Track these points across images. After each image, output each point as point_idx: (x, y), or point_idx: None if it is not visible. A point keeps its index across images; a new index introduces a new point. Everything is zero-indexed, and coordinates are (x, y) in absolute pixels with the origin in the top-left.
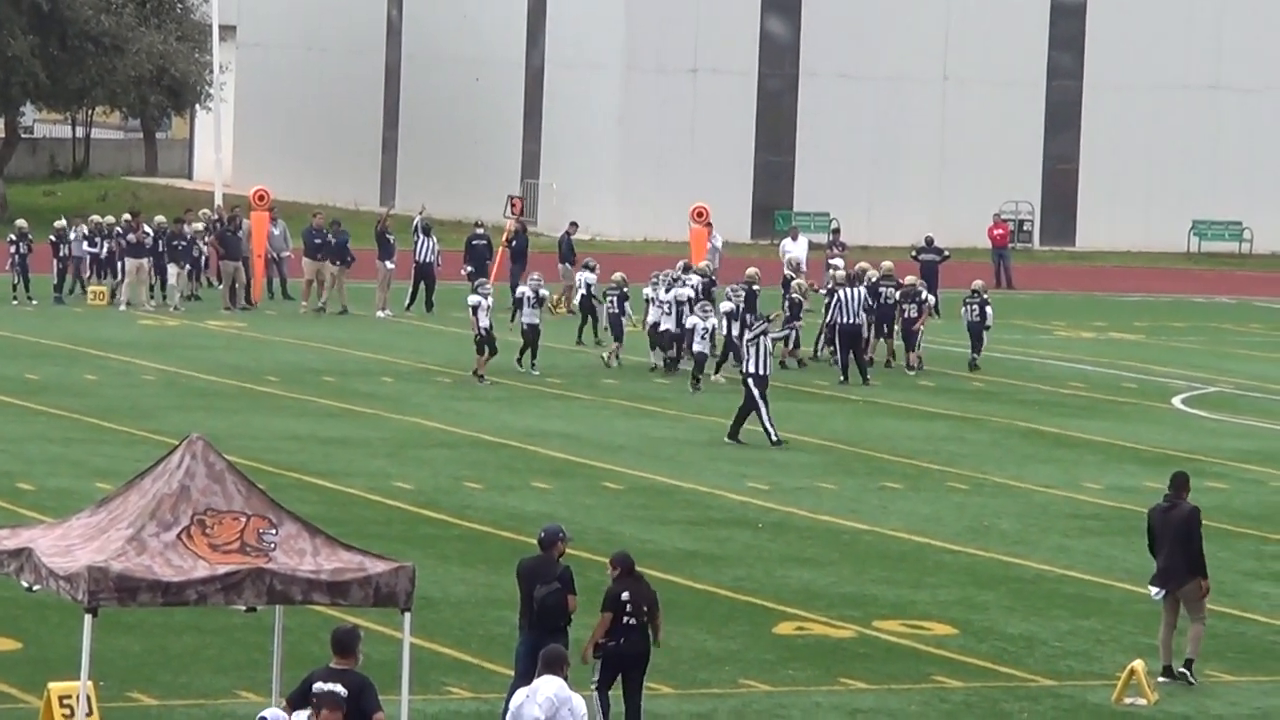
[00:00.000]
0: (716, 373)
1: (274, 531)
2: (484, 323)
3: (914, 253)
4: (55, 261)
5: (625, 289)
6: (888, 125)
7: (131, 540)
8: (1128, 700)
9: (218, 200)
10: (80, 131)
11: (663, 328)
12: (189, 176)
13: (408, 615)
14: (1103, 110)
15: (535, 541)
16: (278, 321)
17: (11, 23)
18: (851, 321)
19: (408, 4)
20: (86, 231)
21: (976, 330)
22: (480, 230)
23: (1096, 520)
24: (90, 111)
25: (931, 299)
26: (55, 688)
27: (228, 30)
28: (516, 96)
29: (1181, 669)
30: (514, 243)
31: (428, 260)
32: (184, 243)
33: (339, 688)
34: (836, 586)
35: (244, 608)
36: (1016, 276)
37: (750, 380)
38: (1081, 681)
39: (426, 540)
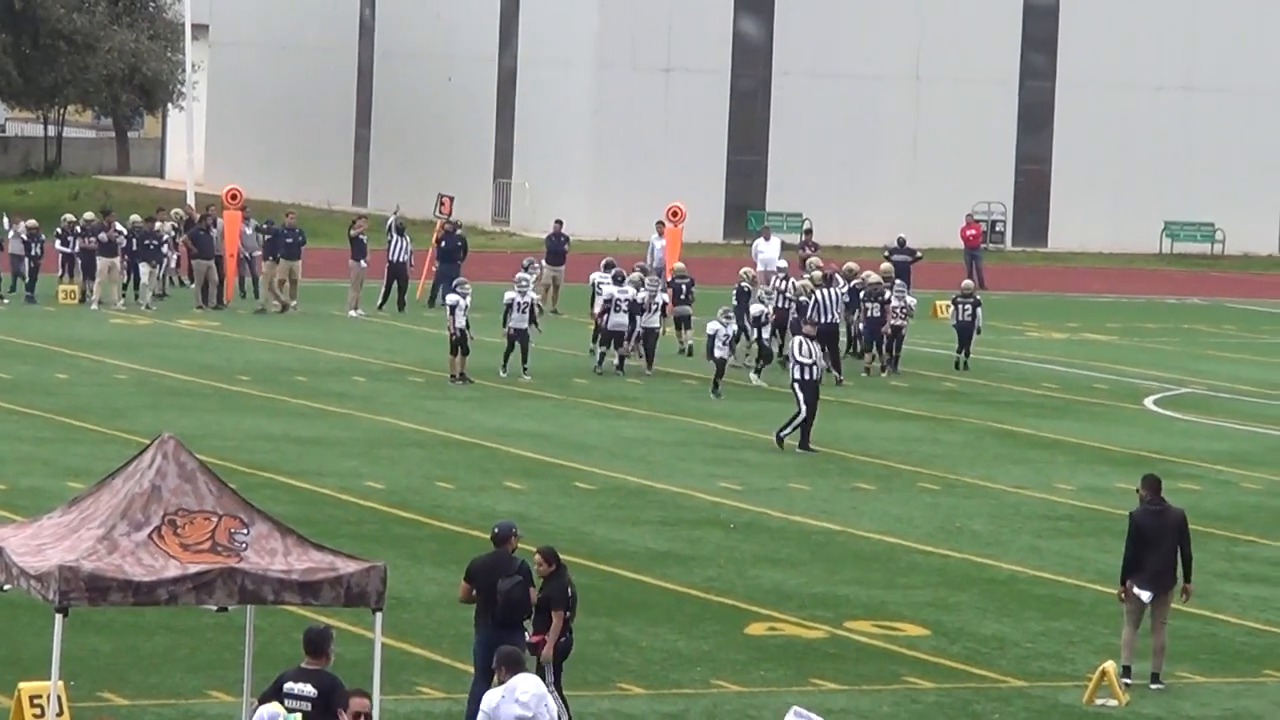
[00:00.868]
0: (758, 376)
1: (245, 531)
2: (460, 323)
3: (886, 253)
4: (27, 260)
5: (679, 281)
6: (860, 125)
7: (103, 540)
8: (1099, 701)
9: (190, 199)
10: (52, 130)
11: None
12: (161, 175)
13: (379, 615)
14: (1075, 111)
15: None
16: (250, 321)
17: None
18: (829, 321)
19: (380, 2)
20: (23, 230)
21: (967, 331)
22: (456, 230)
23: (1068, 521)
24: (62, 110)
25: (913, 300)
26: (26, 687)
27: (200, 29)
28: (489, 95)
29: (1151, 682)
30: (444, 244)
31: (401, 260)
32: (155, 242)
33: (309, 688)
34: (808, 587)
35: (215, 607)
36: (988, 277)
37: (796, 385)
38: (1053, 682)
39: (398, 540)
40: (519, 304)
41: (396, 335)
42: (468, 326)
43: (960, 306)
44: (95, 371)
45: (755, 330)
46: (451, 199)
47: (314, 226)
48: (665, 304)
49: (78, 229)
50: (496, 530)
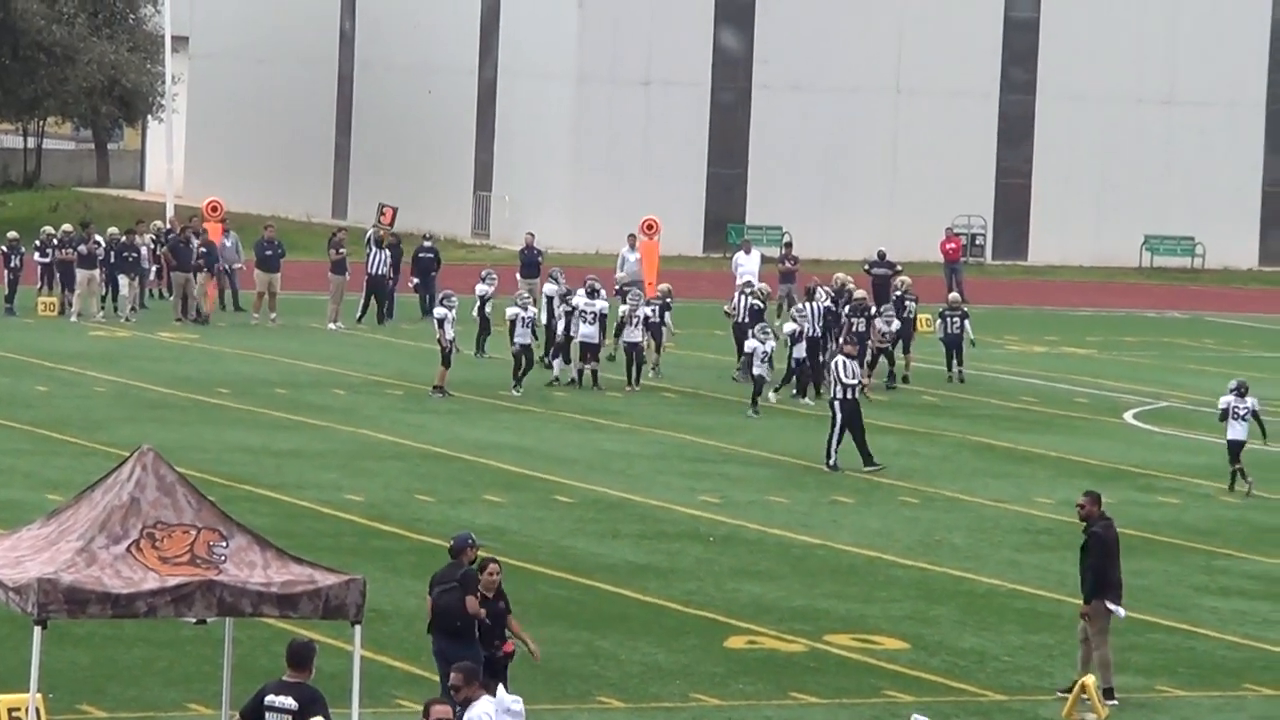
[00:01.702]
0: (776, 392)
1: (224, 544)
2: (450, 335)
3: (866, 266)
4: (6, 272)
5: (669, 299)
6: (840, 138)
7: (81, 552)
8: (1078, 715)
9: (169, 211)
10: (32, 142)
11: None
12: (141, 187)
13: (358, 628)
14: (1055, 124)
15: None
16: (229, 333)
17: None
18: (811, 334)
19: (360, 14)
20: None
21: (956, 343)
22: (427, 242)
23: (1048, 535)
24: (42, 122)
25: (896, 325)
26: (4, 700)
27: (180, 41)
28: (469, 107)
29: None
30: (418, 256)
31: (380, 273)
32: (134, 254)
33: (290, 700)
34: (787, 600)
35: (194, 620)
36: (968, 290)
37: (837, 403)
38: (1032, 696)
39: (378, 553)
40: (523, 319)
41: (376, 348)
42: (455, 340)
43: (949, 320)
44: (74, 384)
45: (789, 347)
46: (394, 209)
47: (293, 239)
48: (647, 317)
49: (56, 240)
50: (453, 542)
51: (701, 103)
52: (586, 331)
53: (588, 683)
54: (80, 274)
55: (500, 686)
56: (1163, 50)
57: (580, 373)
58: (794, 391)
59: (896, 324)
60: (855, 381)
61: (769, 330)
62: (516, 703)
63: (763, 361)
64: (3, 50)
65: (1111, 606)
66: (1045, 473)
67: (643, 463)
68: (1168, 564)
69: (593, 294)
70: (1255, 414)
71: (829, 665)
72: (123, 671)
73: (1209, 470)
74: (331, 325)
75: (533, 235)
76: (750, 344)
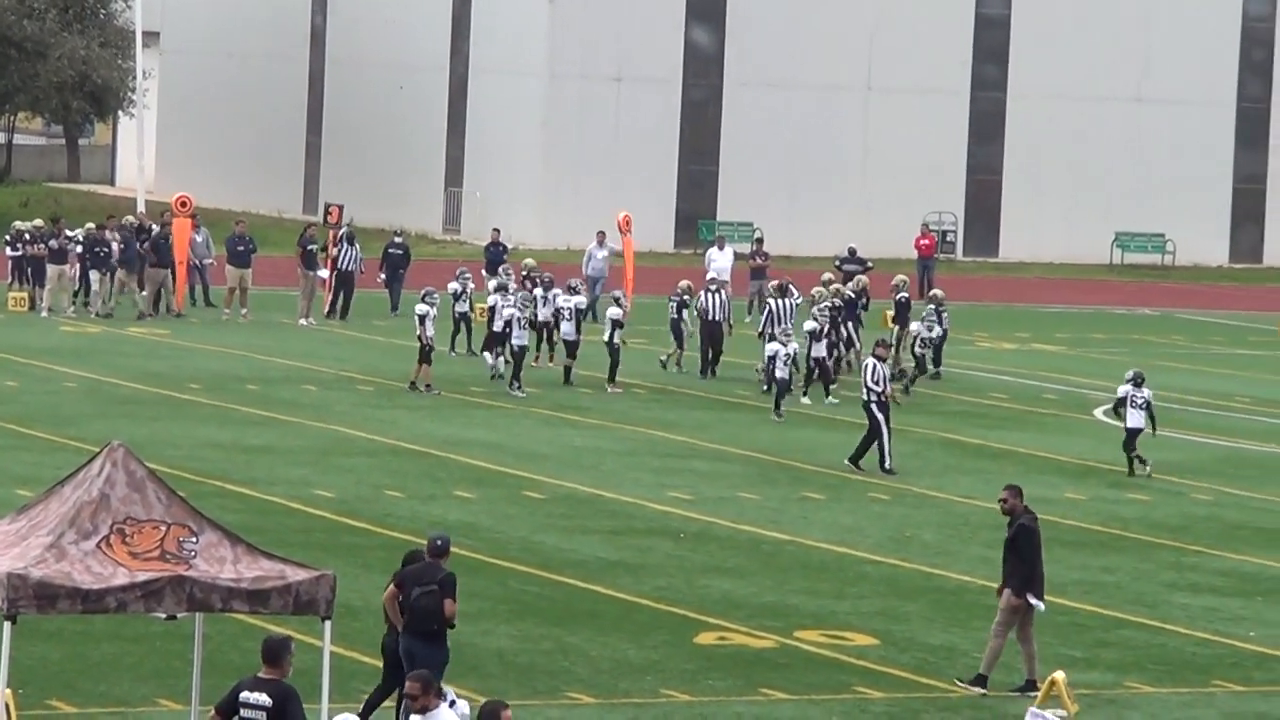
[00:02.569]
0: (805, 395)
1: (194, 540)
2: (430, 332)
3: (837, 263)
4: None
5: (686, 296)
6: (811, 135)
7: (51, 548)
8: (1048, 712)
9: (140, 207)
10: (2, 137)
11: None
12: (111, 183)
13: (328, 623)
14: (1026, 121)
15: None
16: (200, 329)
17: None
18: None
19: (331, 10)
20: None
21: (940, 340)
22: (398, 239)
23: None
24: (12, 117)
25: (936, 330)
26: None
27: (151, 36)
28: (440, 104)
29: (1031, 691)
30: (388, 253)
31: (349, 269)
32: (106, 249)
33: (264, 697)
34: (757, 596)
35: (164, 615)
36: (939, 287)
37: (873, 405)
38: (1001, 693)
39: (348, 549)
40: (519, 319)
41: (347, 344)
42: (434, 337)
43: (939, 315)
44: (45, 379)
45: (808, 346)
46: (341, 207)
47: (264, 234)
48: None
49: (27, 236)
50: (439, 542)
51: (672, 99)
52: (566, 329)
53: (557, 678)
54: (51, 269)
55: (457, 698)
56: (1133, 48)
57: (568, 370)
58: (803, 391)
59: (938, 329)
60: (881, 387)
61: (790, 333)
62: (461, 706)
63: (785, 365)
64: None
65: (1034, 601)
66: (1015, 469)
67: (613, 459)
68: (1137, 560)
69: (572, 291)
70: (1149, 404)
71: (799, 661)
72: (93, 667)
73: (1178, 467)
74: (302, 321)
75: (498, 231)
76: (772, 347)
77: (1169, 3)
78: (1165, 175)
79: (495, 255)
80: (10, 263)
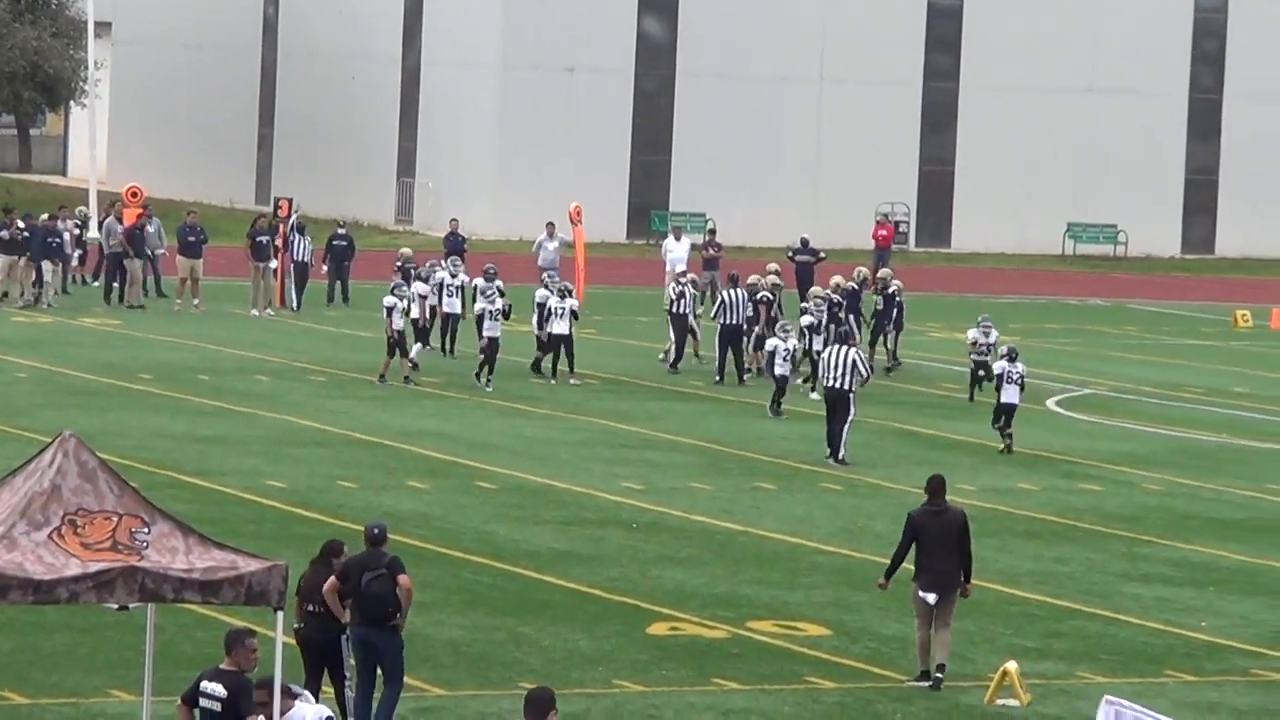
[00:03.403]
0: (814, 390)
1: (146, 530)
2: (398, 325)
3: (790, 253)
4: None
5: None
6: (764, 126)
7: (2, 538)
8: (1000, 702)
9: (92, 197)
10: None
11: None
12: (63, 173)
13: (280, 614)
14: (979, 112)
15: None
16: (152, 319)
17: None
18: (733, 323)
19: (284, 2)
20: None
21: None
22: (341, 230)
23: (971, 522)
24: None
25: (993, 335)
26: None
27: (103, 27)
28: (393, 94)
29: (936, 674)
30: (332, 244)
31: (301, 259)
32: (58, 240)
33: (220, 688)
34: (710, 587)
35: (116, 606)
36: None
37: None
38: (954, 683)
39: (300, 539)
40: (490, 312)
41: (299, 334)
42: (403, 330)
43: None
44: None
45: (808, 340)
46: (290, 200)
47: (216, 225)
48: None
49: None
50: (375, 530)
51: (625, 90)
52: (560, 328)
53: (510, 669)
54: (2, 259)
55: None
56: (1086, 38)
57: (555, 366)
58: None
59: (995, 334)
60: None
61: (789, 328)
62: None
63: (784, 361)
64: None
65: (921, 594)
66: (968, 459)
67: (565, 449)
68: (1090, 551)
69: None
70: (1023, 380)
71: (751, 651)
72: (45, 658)
73: (1131, 457)
74: (254, 311)
75: (457, 221)
76: (771, 342)
77: None
78: (1117, 166)
79: (454, 246)
80: None
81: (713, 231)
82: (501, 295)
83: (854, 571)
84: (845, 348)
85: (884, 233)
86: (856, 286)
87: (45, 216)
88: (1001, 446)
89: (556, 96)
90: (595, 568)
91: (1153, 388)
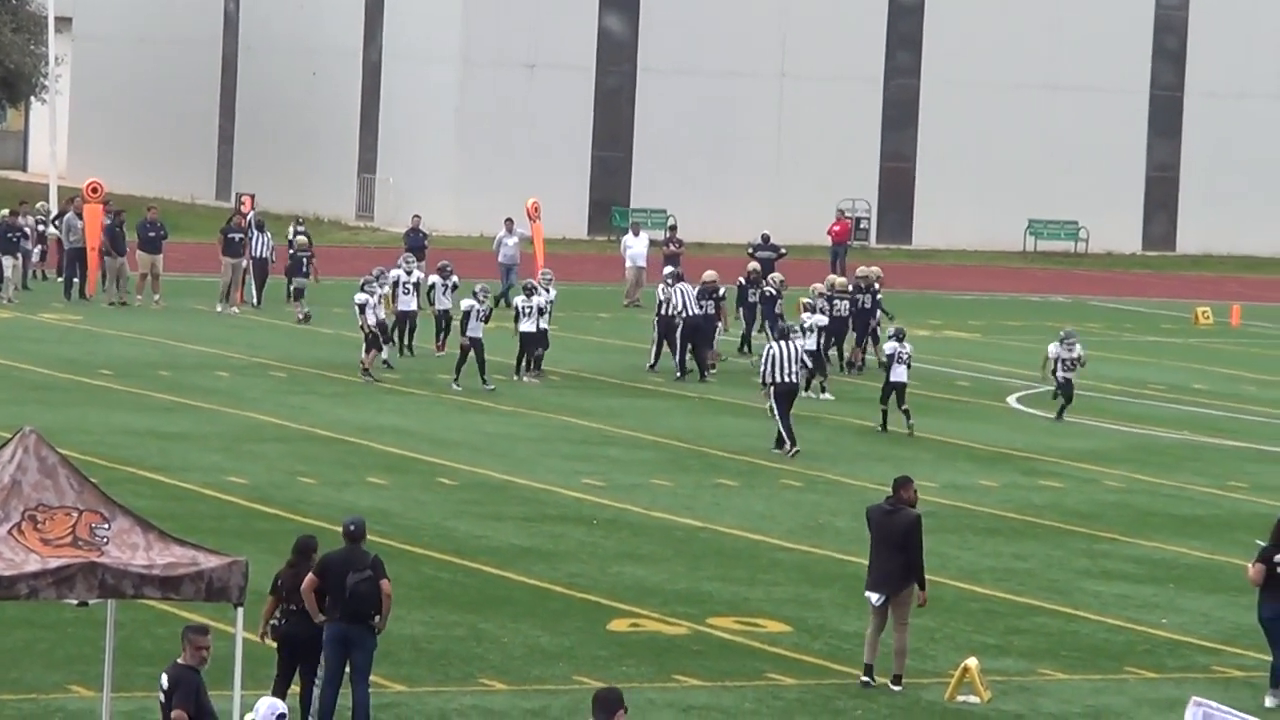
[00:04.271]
0: (825, 391)
1: (107, 526)
2: (371, 320)
3: (750, 249)
4: None
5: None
6: (725, 122)
7: None
8: (961, 698)
9: (53, 193)
10: None
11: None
12: (23, 169)
13: (240, 610)
14: (940, 108)
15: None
16: (112, 315)
17: None
18: (692, 315)
19: None
20: None
21: (865, 321)
22: (300, 227)
23: (931, 519)
24: None
25: (1077, 350)
26: None
27: (63, 22)
28: (354, 89)
29: (892, 684)
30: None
31: (262, 255)
32: (19, 235)
33: (165, 680)
34: (670, 583)
35: (76, 602)
36: (851, 273)
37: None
38: (915, 679)
39: (260, 535)
40: (479, 311)
41: (260, 330)
42: (379, 323)
43: (835, 302)
44: None
45: (819, 340)
46: (252, 196)
47: (177, 220)
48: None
49: None
50: (353, 527)
51: (586, 86)
52: (528, 326)
53: (470, 665)
54: None
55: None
56: (1046, 35)
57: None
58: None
59: (1080, 349)
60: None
61: (796, 330)
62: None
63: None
64: None
65: (866, 592)
66: (928, 456)
67: (526, 445)
68: (1050, 547)
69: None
70: (910, 359)
71: (712, 648)
72: (4, 654)
73: (1091, 454)
74: (220, 308)
75: (419, 218)
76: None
77: None
78: (1078, 163)
79: (415, 241)
80: None
81: (673, 228)
82: (489, 296)
83: (814, 568)
84: (789, 342)
85: (838, 228)
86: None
87: (6, 212)
88: (883, 427)
89: (517, 92)
90: (556, 564)
91: (1113, 385)
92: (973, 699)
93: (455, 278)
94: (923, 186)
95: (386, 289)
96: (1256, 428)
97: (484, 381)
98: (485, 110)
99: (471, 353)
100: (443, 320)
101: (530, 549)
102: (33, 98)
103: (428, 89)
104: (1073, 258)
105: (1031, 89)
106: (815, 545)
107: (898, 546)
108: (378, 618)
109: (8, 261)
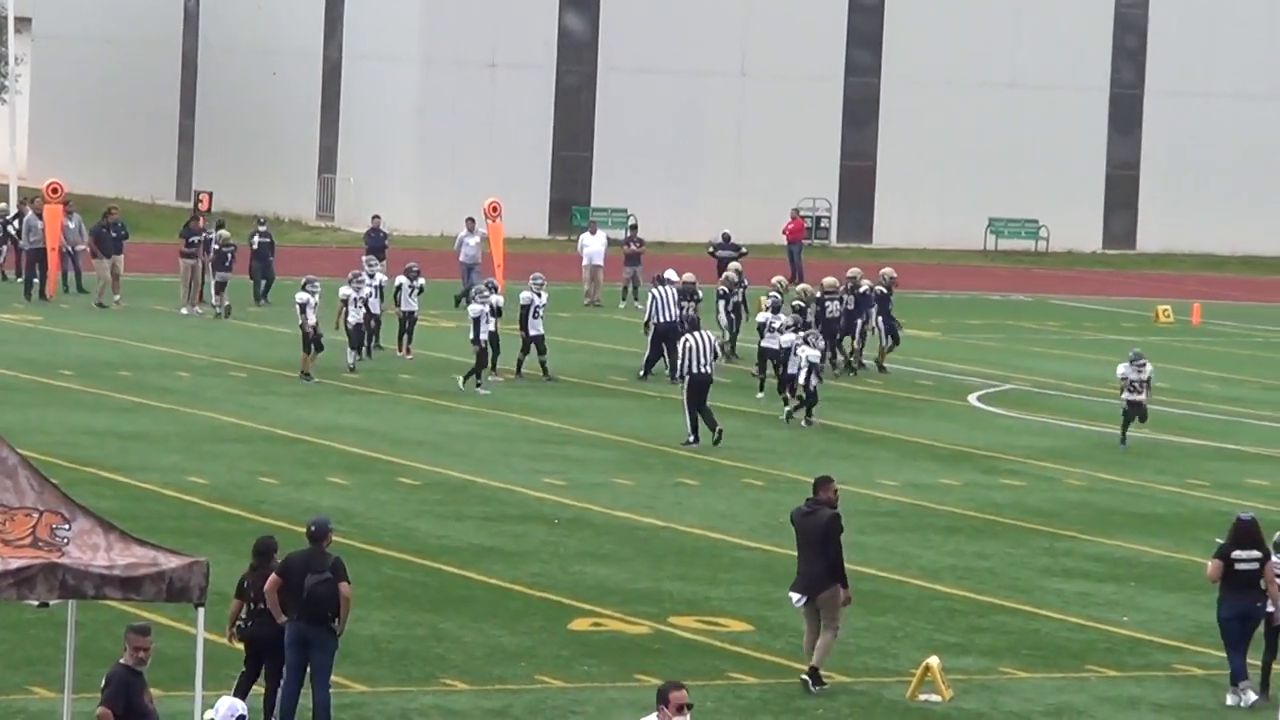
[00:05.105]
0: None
1: (67, 527)
2: (311, 320)
3: (711, 249)
4: None
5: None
6: (685, 121)
7: None
8: (922, 697)
9: (12, 193)
10: None
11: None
12: None
13: (201, 610)
14: (900, 107)
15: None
16: (72, 315)
17: None
18: (665, 320)
19: None
20: None
21: (832, 328)
22: (262, 227)
23: (892, 517)
24: None
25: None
26: None
27: (23, 22)
28: (314, 89)
29: (805, 676)
30: (255, 241)
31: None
32: None
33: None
34: (632, 583)
35: (36, 603)
36: (809, 273)
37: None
38: (876, 678)
39: (221, 535)
40: (487, 315)
41: (219, 330)
42: (318, 325)
43: (827, 304)
44: None
45: (806, 377)
46: (210, 194)
47: (137, 220)
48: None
49: None
50: (313, 528)
51: (546, 85)
52: (536, 327)
53: (432, 665)
54: None
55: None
56: (1006, 33)
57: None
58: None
59: (1150, 369)
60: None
61: (817, 336)
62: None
63: (810, 371)
64: None
65: (790, 593)
66: (889, 455)
67: (487, 445)
68: (1011, 546)
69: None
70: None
71: (673, 647)
72: None
73: (1052, 453)
74: (184, 310)
75: (379, 218)
76: (805, 352)
77: None
78: (1038, 161)
79: (376, 241)
80: None
81: (634, 227)
82: (494, 291)
83: (775, 567)
84: (701, 334)
85: (793, 226)
86: (886, 289)
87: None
88: (802, 421)
89: (478, 92)
90: (517, 563)
91: (1074, 383)
92: (934, 698)
93: (422, 280)
94: (883, 185)
95: (366, 292)
96: (1218, 426)
97: (466, 381)
98: (446, 110)
99: (478, 352)
100: (407, 322)
101: (491, 549)
102: None
103: (388, 89)
104: (1033, 256)
105: (992, 87)
106: (776, 544)
107: (819, 547)
108: (337, 621)
109: None
